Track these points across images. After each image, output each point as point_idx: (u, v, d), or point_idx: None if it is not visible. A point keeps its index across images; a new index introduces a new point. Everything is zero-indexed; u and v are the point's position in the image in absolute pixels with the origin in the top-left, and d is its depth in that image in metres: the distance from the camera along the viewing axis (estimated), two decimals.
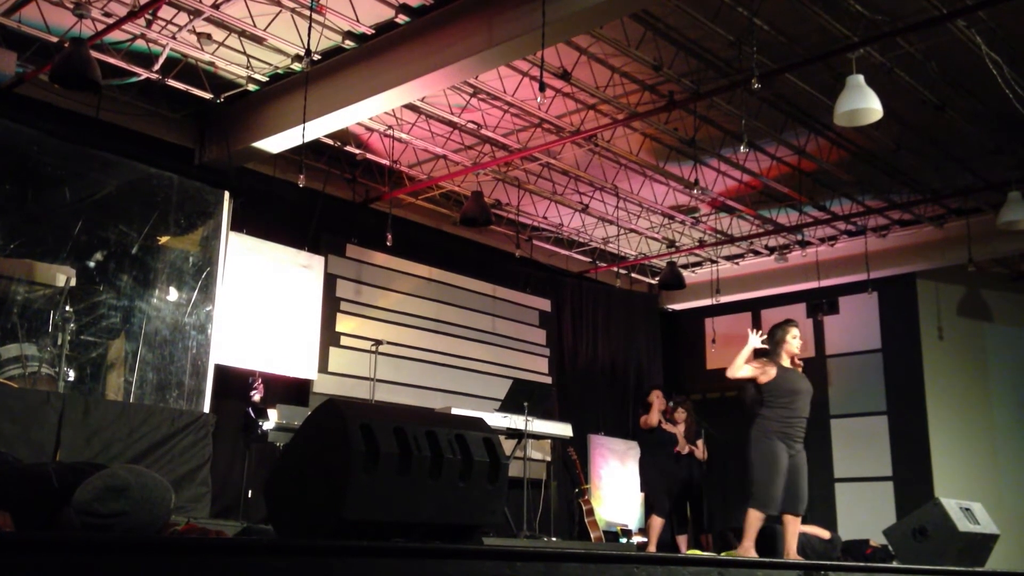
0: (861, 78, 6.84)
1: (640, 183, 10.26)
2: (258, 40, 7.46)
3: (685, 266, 12.64)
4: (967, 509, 6.61)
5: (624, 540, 10.77)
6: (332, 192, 9.71)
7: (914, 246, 11.23)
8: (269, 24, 7.16)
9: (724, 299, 12.28)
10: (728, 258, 12.58)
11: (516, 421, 8.45)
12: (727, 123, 8.69)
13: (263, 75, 7.99)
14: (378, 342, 8.89)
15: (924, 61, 7.49)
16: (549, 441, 9.85)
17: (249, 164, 8.88)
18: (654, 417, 8.79)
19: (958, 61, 7.45)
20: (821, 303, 11.99)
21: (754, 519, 6.08)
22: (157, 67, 7.57)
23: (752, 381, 6.32)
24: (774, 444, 6.10)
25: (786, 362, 6.30)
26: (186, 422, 6.59)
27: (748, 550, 6.08)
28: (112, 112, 8.04)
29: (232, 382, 8.29)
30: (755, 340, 6.28)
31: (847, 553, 8.39)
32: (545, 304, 11.93)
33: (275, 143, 8.23)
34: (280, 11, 7.06)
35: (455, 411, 8.29)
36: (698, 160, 9.46)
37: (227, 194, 8.29)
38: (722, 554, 7.33)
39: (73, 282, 6.79)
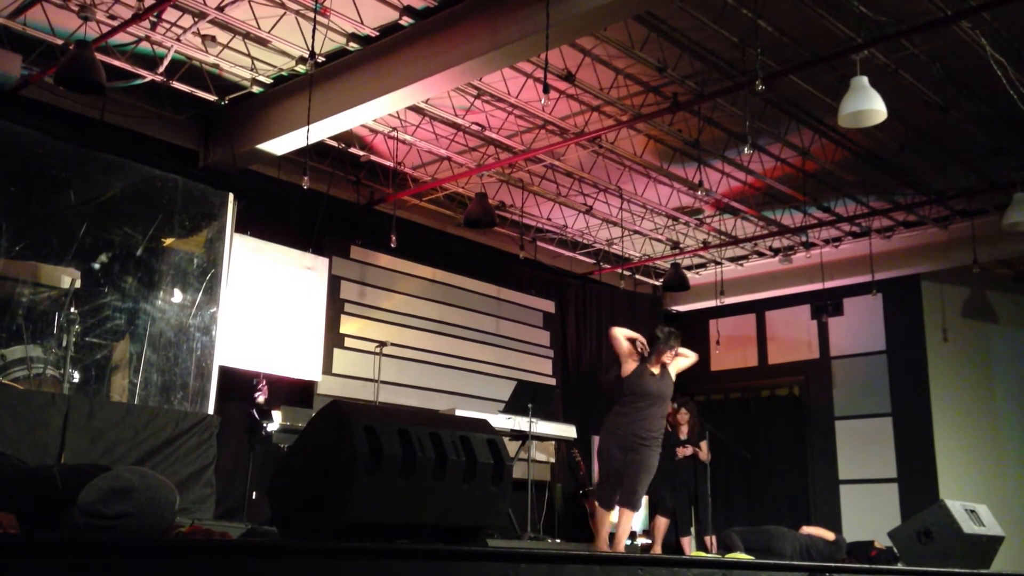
0: (865, 79, 6.83)
1: (644, 185, 10.26)
2: (262, 42, 7.47)
3: (689, 268, 12.62)
4: (972, 511, 6.58)
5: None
6: (336, 194, 9.71)
7: (918, 247, 11.21)
8: (273, 26, 7.17)
9: (728, 301, 12.24)
10: (732, 259, 12.55)
11: (520, 422, 8.45)
12: (731, 124, 8.68)
13: (267, 77, 8.00)
14: (382, 343, 8.90)
15: (928, 62, 7.48)
16: (553, 442, 9.84)
17: (253, 166, 8.90)
18: None
19: (962, 62, 7.43)
20: (825, 304, 11.96)
21: (599, 515, 6.42)
22: (162, 69, 7.59)
23: (617, 367, 6.48)
24: (609, 445, 6.37)
25: (656, 366, 6.40)
26: (190, 424, 6.59)
27: (603, 543, 6.39)
28: (117, 114, 8.06)
29: (236, 384, 8.30)
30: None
31: (852, 555, 8.37)
32: (549, 306, 11.92)
33: (279, 145, 8.24)
34: (284, 13, 7.07)
35: (459, 413, 8.30)
36: (702, 161, 9.44)
37: (231, 196, 8.30)
38: (726, 556, 7.33)
39: (78, 284, 6.80)
